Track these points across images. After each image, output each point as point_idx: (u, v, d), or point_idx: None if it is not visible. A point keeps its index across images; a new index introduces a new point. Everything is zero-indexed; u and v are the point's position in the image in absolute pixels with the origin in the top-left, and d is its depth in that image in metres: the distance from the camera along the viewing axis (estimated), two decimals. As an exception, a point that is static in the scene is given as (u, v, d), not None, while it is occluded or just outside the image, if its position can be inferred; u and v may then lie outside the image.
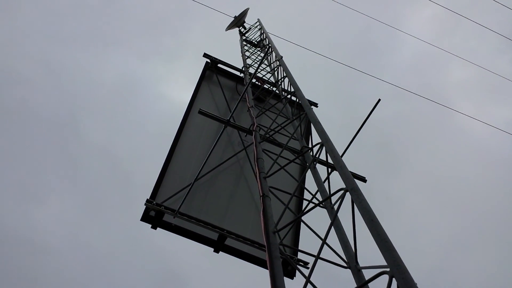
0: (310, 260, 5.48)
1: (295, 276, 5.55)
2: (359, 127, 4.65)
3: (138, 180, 28.18)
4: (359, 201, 3.36)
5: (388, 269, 2.74)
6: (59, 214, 25.76)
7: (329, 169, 4.94)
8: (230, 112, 7.54)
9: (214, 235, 5.61)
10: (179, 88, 35.20)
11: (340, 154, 4.35)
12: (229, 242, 5.64)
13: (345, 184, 3.71)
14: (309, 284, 3.45)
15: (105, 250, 25.67)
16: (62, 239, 25.13)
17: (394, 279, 2.64)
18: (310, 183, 5.17)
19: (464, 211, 28.75)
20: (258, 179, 4.79)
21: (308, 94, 6.55)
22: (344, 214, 4.06)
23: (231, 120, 6.65)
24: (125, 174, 28.42)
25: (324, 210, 4.53)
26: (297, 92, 6.19)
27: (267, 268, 5.58)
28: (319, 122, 4.99)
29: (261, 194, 4.50)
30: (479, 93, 34.33)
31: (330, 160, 4.84)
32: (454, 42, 33.53)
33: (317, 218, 4.55)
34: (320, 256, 3.64)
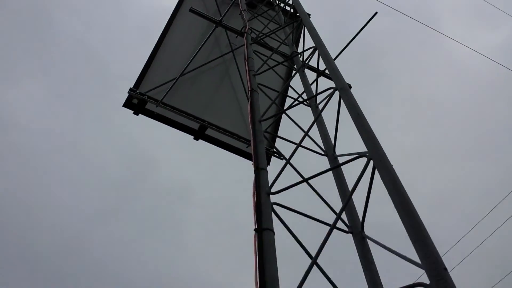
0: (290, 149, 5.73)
1: (269, 164, 5.83)
2: (353, 36, 4.77)
3: (114, 71, 27.79)
4: (347, 98, 3.59)
5: (367, 154, 3.03)
6: (30, 96, 25.46)
7: (318, 74, 5.12)
8: (220, 14, 7.42)
9: (195, 125, 5.80)
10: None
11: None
12: (209, 132, 5.87)
13: (335, 84, 3.91)
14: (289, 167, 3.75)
15: (74, 128, 26.05)
16: (31, 117, 25.20)
17: (372, 161, 2.93)
18: (296, 85, 5.35)
19: (435, 129, 30.20)
20: (247, 76, 4.92)
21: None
22: (326, 113, 4.31)
23: (222, 21, 6.62)
24: (101, 64, 27.71)
25: (306, 110, 4.77)
26: (294, -2, 6.15)
27: (243, 157, 5.94)
28: (314, 28, 5.07)
29: (249, 89, 4.66)
30: (469, 16, 34.24)
31: (320, 65, 5.01)
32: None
33: (299, 116, 4.79)
34: (300, 146, 3.92)
